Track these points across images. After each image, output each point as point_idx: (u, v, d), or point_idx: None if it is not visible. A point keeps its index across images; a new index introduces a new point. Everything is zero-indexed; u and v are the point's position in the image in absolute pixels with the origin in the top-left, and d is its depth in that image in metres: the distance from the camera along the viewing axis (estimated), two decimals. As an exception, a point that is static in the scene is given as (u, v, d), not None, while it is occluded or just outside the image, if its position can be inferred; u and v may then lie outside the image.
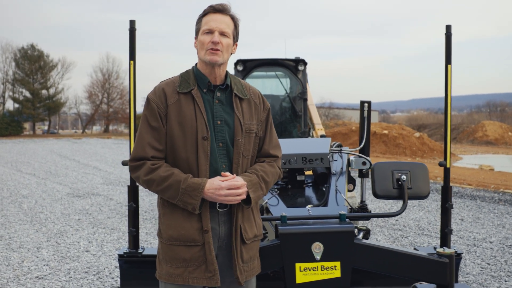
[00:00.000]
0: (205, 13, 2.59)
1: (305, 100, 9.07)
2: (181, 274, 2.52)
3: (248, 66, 8.90)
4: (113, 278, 5.36)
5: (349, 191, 4.33)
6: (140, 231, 5.08)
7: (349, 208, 3.71)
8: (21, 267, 5.74)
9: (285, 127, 9.10)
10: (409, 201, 3.91)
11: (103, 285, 5.14)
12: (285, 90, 9.14)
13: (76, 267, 5.73)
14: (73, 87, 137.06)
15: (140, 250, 3.80)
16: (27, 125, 59.46)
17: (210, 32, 2.53)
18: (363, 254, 3.06)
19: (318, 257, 2.94)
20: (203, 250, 2.50)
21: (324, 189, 4.03)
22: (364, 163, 4.00)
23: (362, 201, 4.02)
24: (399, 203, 9.71)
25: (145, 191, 11.08)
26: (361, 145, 4.46)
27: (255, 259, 2.69)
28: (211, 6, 2.58)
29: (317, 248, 2.94)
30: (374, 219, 8.36)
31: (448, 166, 4.00)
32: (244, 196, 2.50)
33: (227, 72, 2.66)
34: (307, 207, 3.38)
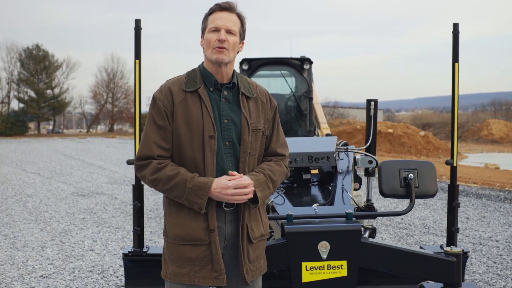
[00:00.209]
0: (211, 11, 2.57)
1: (311, 99, 9.05)
2: (187, 274, 2.50)
3: (253, 65, 8.89)
4: (117, 277, 5.35)
5: (355, 189, 4.31)
6: (144, 230, 5.07)
7: (356, 207, 3.70)
8: (25, 266, 5.74)
9: (291, 126, 9.08)
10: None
11: (108, 284, 5.13)
12: (291, 89, 9.13)
13: (81, 266, 5.72)
14: (78, 87, 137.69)
15: (144, 249, 3.79)
16: (32, 125, 59.58)
17: (217, 30, 2.52)
18: (369, 253, 3.05)
19: (324, 256, 2.92)
20: (209, 250, 2.49)
21: (330, 188, 4.02)
22: (370, 162, 3.99)
23: (368, 200, 4.01)
24: (404, 202, 9.68)
25: (150, 190, 11.08)
26: (368, 144, 4.44)
27: (261, 258, 2.67)
28: (217, 4, 2.56)
29: (324, 247, 2.92)
30: (379, 217, 8.34)
31: (455, 164, 3.96)
32: (251, 196, 2.48)
33: (234, 71, 2.64)
34: (313, 206, 3.37)
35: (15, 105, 56.75)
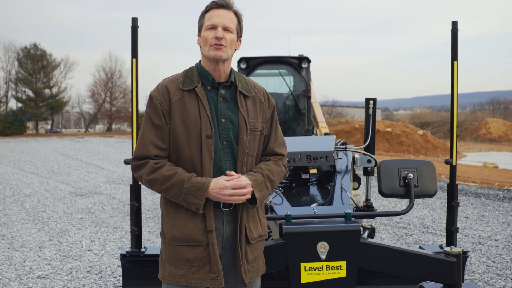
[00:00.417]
0: (208, 9, 2.54)
1: (309, 98, 9.02)
2: (184, 275, 2.48)
3: (251, 64, 8.86)
4: (115, 277, 5.32)
5: (354, 189, 4.28)
6: (142, 230, 5.05)
7: (355, 207, 3.67)
8: (23, 267, 5.71)
9: (289, 125, 9.06)
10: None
11: (105, 284, 5.10)
12: (289, 88, 9.10)
13: (78, 266, 5.70)
14: (76, 86, 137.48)
15: (142, 249, 3.76)
16: (30, 124, 59.51)
17: (213, 27, 2.49)
18: (369, 253, 3.02)
19: (323, 256, 2.90)
20: (207, 251, 2.46)
21: (329, 187, 3.99)
22: (369, 161, 3.96)
23: (367, 199, 3.98)
24: (403, 201, 9.66)
25: (148, 190, 11.04)
26: (366, 143, 4.41)
27: (259, 259, 2.64)
28: (214, 2, 2.54)
29: (322, 248, 2.90)
30: (378, 217, 8.32)
31: (454, 163, 3.94)
32: (249, 196, 2.45)
33: (231, 69, 2.61)
34: (312, 206, 3.34)
35: (13, 104, 56.81)
